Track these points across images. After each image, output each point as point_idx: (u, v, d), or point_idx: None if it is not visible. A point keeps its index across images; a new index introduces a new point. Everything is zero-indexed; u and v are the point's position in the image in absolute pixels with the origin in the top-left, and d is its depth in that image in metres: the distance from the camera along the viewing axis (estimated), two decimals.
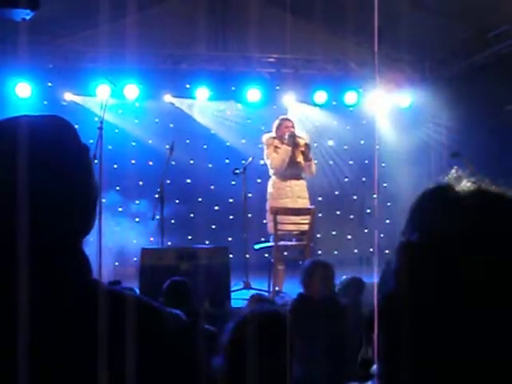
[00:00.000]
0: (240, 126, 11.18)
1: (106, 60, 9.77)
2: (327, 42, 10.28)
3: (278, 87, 11.07)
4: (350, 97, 11.23)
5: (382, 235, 9.90)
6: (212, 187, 10.80)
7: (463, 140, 10.35)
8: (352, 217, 11.54)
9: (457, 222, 0.96)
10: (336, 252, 11.03)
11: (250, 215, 8.93)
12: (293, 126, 8.34)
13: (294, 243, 8.02)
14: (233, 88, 11.00)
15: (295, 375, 2.89)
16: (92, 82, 9.99)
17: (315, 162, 8.72)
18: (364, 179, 11.48)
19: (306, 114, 11.31)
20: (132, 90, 10.30)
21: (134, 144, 10.68)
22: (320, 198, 10.64)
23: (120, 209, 10.03)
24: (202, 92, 10.72)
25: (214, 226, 10.70)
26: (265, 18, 9.79)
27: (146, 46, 9.49)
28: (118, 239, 9.37)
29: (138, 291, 6.37)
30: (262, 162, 8.72)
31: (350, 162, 11.65)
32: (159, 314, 1.40)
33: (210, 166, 10.89)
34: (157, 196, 8.64)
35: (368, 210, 11.47)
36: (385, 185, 11.12)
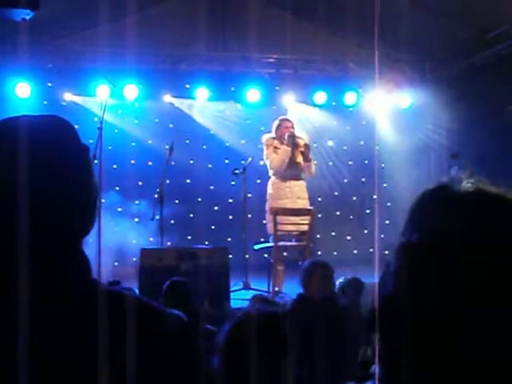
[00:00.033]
0: (240, 127, 11.18)
1: (106, 60, 9.77)
2: (327, 43, 10.27)
3: (277, 87, 11.07)
4: (349, 97, 11.23)
5: (381, 236, 9.90)
6: (212, 187, 10.80)
7: (463, 140, 10.35)
8: (352, 217, 11.54)
9: (457, 222, 0.96)
10: (335, 252, 11.03)
11: (249, 215, 8.93)
12: (292, 127, 8.34)
13: (293, 244, 8.02)
14: (232, 88, 10.99)
15: (295, 376, 2.89)
16: (92, 82, 9.99)
17: (315, 162, 8.72)
18: (364, 180, 11.48)
19: (305, 114, 11.31)
20: (132, 90, 10.30)
21: (133, 144, 10.68)
22: (320, 199, 10.64)
23: (119, 209, 10.03)
24: (202, 92, 10.72)
25: (213, 227, 10.70)
26: (264, 18, 9.79)
27: (145, 46, 9.49)
28: (118, 239, 9.37)
29: (137, 291, 6.37)
30: (261, 163, 8.72)
31: (350, 163, 11.65)
32: (159, 315, 1.40)
33: (210, 166, 10.89)
34: (156, 196, 8.64)
35: (368, 211, 11.47)
36: (384, 185, 11.12)
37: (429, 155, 11.49)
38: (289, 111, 10.72)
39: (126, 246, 9.33)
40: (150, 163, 10.39)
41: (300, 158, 8.15)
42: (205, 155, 10.90)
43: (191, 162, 10.90)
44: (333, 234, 11.40)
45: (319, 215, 10.06)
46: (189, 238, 10.35)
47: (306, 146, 8.24)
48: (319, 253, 10.56)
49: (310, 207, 8.11)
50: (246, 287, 7.99)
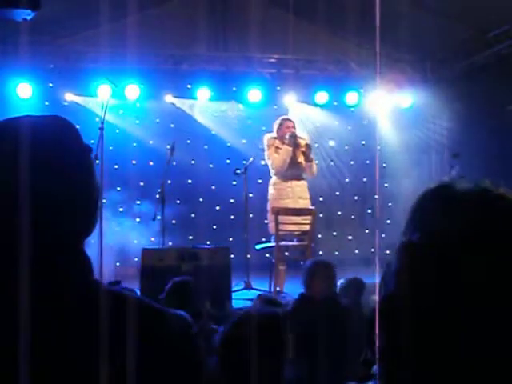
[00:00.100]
0: (241, 127, 11.17)
1: (107, 60, 9.78)
2: (328, 43, 10.28)
3: (278, 87, 11.07)
4: (350, 97, 11.23)
5: (383, 235, 9.90)
6: (213, 187, 10.80)
7: (464, 140, 10.36)
8: (353, 217, 11.53)
9: (457, 222, 0.96)
10: (337, 252, 11.02)
11: (251, 215, 8.93)
12: (294, 127, 8.34)
13: (295, 243, 8.02)
14: (234, 88, 10.99)
15: (287, 376, 2.89)
16: (93, 83, 9.99)
17: (316, 162, 8.71)
18: (365, 179, 11.48)
19: (306, 114, 11.31)
20: (133, 91, 10.30)
21: (134, 144, 10.68)
22: (321, 199, 10.65)
23: (121, 209, 10.03)
24: (203, 92, 10.72)
25: (215, 227, 10.70)
26: (265, 18, 9.80)
27: (146, 47, 9.50)
28: (119, 239, 9.37)
29: (138, 292, 6.37)
30: (262, 163, 8.72)
31: (351, 163, 11.65)
32: (160, 316, 1.40)
33: (211, 166, 10.89)
34: (158, 196, 8.64)
35: (369, 211, 11.47)
36: (386, 185, 11.12)
37: (430, 155, 11.50)
38: (290, 111, 10.72)
39: (128, 246, 9.34)
40: (152, 163, 10.39)
41: (301, 158, 8.15)
42: (206, 155, 10.90)
43: (192, 162, 10.90)
44: (334, 233, 11.39)
45: (320, 215, 10.08)
46: (190, 238, 10.35)
47: (308, 145, 8.23)
48: (320, 252, 10.56)
49: (311, 207, 8.10)
50: (248, 287, 7.99)
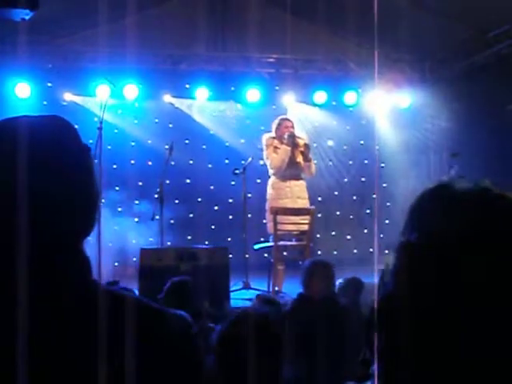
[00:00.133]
0: (239, 126, 11.17)
1: (106, 60, 9.76)
2: (327, 43, 10.27)
3: (277, 87, 11.07)
4: (349, 97, 11.23)
5: (381, 235, 9.90)
6: (211, 187, 10.80)
7: (463, 140, 10.36)
8: (351, 217, 11.53)
9: (456, 222, 0.96)
10: (335, 252, 11.03)
11: (249, 215, 8.93)
12: (292, 126, 8.34)
13: (293, 243, 8.03)
14: (232, 88, 10.99)
15: (286, 376, 2.89)
16: (92, 82, 9.99)
17: (315, 162, 8.72)
18: (363, 179, 11.48)
19: (305, 114, 11.31)
20: (131, 90, 10.29)
21: (133, 144, 10.68)
22: (320, 198, 10.64)
23: (119, 209, 10.03)
24: (202, 92, 10.72)
25: (213, 226, 10.70)
26: (264, 18, 9.79)
27: (145, 46, 9.49)
28: (118, 239, 9.37)
29: (137, 292, 6.37)
30: (261, 162, 8.72)
31: (350, 162, 11.65)
32: (159, 316, 1.40)
33: (210, 166, 10.88)
34: (156, 196, 8.64)
35: (367, 211, 11.47)
36: (384, 185, 11.13)
37: (428, 155, 11.50)
38: (289, 111, 10.71)
39: (126, 245, 9.34)
40: (150, 163, 10.38)
41: (300, 158, 8.15)
42: (205, 155, 10.90)
43: (191, 161, 10.89)
44: (333, 233, 11.40)
45: (319, 215, 10.07)
46: (189, 237, 10.36)
47: (306, 145, 8.23)
48: (319, 252, 10.56)
49: (310, 207, 8.11)
50: (246, 287, 7.99)
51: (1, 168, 1.31)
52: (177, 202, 10.41)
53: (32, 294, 1.24)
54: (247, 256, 8.40)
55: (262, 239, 8.37)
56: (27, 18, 6.35)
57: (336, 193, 11.52)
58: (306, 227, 7.78)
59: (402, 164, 11.26)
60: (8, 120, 1.39)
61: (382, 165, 11.12)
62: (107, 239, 8.22)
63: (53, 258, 1.32)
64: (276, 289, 7.76)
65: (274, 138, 8.24)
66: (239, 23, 9.97)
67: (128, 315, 1.30)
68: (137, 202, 10.17)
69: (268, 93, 10.97)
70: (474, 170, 9.05)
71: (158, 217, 8.49)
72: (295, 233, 7.94)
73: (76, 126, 1.44)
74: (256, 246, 8.22)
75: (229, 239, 10.13)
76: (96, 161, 7.58)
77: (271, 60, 10.83)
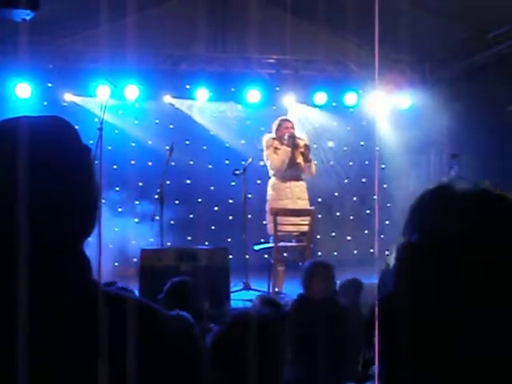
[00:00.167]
0: (240, 127, 11.17)
1: (106, 60, 9.78)
2: (327, 43, 10.27)
3: (277, 88, 11.07)
4: (349, 98, 11.24)
5: (381, 236, 9.90)
6: (212, 188, 10.80)
7: (463, 141, 10.36)
8: (352, 218, 11.52)
9: (457, 222, 0.96)
10: (336, 253, 11.03)
11: (249, 216, 8.93)
12: (292, 127, 8.34)
13: (293, 244, 8.03)
14: (232, 89, 10.99)
15: (286, 377, 2.89)
16: (92, 83, 9.99)
17: (315, 163, 8.72)
18: (364, 180, 11.47)
19: (305, 114, 11.31)
20: (132, 91, 10.30)
21: (133, 145, 10.68)
22: (320, 199, 10.64)
23: (120, 209, 10.03)
24: (202, 93, 10.73)
25: (213, 227, 10.70)
26: (264, 18, 9.79)
27: (145, 47, 9.49)
28: (118, 240, 9.37)
29: (137, 292, 6.38)
30: (261, 163, 8.72)
31: (350, 163, 11.65)
32: (159, 316, 1.40)
33: (210, 166, 10.88)
34: (156, 197, 8.64)
35: (368, 211, 11.46)
36: (385, 186, 11.12)
37: (429, 156, 11.49)
38: (289, 112, 10.71)
39: (127, 246, 9.34)
40: (150, 164, 10.38)
41: (300, 159, 8.15)
42: (205, 156, 10.90)
43: (191, 162, 10.90)
44: (333, 234, 11.40)
45: (319, 216, 10.07)
46: (189, 238, 10.36)
47: (306, 146, 8.24)
48: (319, 253, 10.56)
49: (310, 208, 8.11)
50: (246, 288, 7.99)
51: (1, 168, 1.31)
52: (177, 202, 10.41)
53: (32, 294, 1.24)
54: (247, 257, 8.41)
55: (262, 240, 8.37)
56: (28, 18, 6.35)
57: (336, 194, 11.52)
58: (306, 228, 7.78)
59: (403, 165, 11.26)
60: (8, 120, 1.39)
61: (383, 166, 11.11)
62: (107, 239, 8.22)
63: (53, 259, 1.32)
64: (276, 290, 7.76)
65: (274, 138, 8.24)
66: (239, 23, 9.98)
67: (128, 316, 1.30)
68: (137, 202, 10.17)
69: (268, 93, 10.97)
70: (474, 171, 9.06)
71: (158, 217, 8.49)
72: (295, 234, 7.94)
73: (76, 127, 1.44)
74: (256, 247, 8.22)
75: (229, 240, 10.13)
76: (96, 161, 7.58)
77: (271, 61, 10.84)
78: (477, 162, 9.42)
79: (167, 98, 10.76)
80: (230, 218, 10.59)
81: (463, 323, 0.92)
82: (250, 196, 9.09)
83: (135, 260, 8.21)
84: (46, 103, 10.16)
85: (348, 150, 11.62)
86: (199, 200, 10.67)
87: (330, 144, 11.59)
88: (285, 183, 8.15)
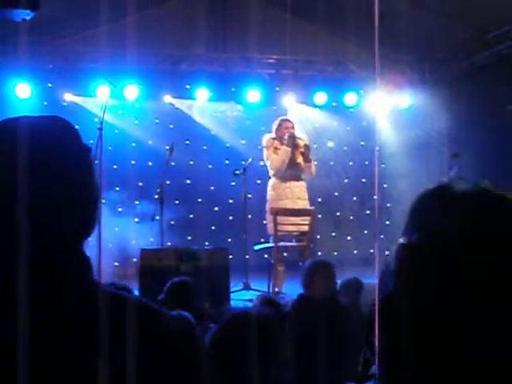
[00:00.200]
0: (240, 127, 11.17)
1: (106, 60, 9.78)
2: (327, 44, 10.28)
3: (277, 88, 11.07)
4: (349, 98, 11.24)
5: (381, 236, 9.90)
6: (212, 188, 10.80)
7: (463, 140, 10.36)
8: (352, 218, 11.53)
9: (457, 222, 0.96)
10: (336, 253, 11.02)
11: (249, 216, 8.93)
12: (293, 127, 8.33)
13: (293, 244, 8.02)
14: (233, 89, 10.99)
15: (287, 376, 2.88)
16: (92, 83, 9.99)
17: (315, 163, 8.71)
18: (364, 180, 11.47)
19: (305, 115, 11.31)
20: (132, 91, 10.30)
21: (133, 145, 10.68)
22: (320, 199, 10.64)
23: (120, 209, 10.03)
24: (202, 93, 10.73)
25: (213, 227, 10.70)
26: (264, 18, 9.79)
27: (146, 47, 9.49)
28: (118, 240, 9.37)
29: (137, 292, 6.38)
30: (261, 163, 8.72)
31: (350, 163, 11.65)
32: (160, 316, 1.40)
33: (210, 166, 10.88)
34: (156, 197, 8.64)
35: (368, 211, 11.47)
36: (385, 186, 11.12)
37: (429, 156, 11.49)
38: (289, 112, 10.71)
39: (126, 246, 9.34)
40: (150, 164, 10.38)
41: (300, 159, 8.15)
42: (205, 156, 10.90)
43: (191, 162, 10.90)
44: (333, 234, 11.40)
45: (319, 216, 10.07)
46: (189, 238, 10.35)
47: (306, 146, 8.23)
48: (319, 253, 10.55)
49: (310, 208, 8.11)
50: (247, 288, 7.99)
51: (1, 168, 1.31)
52: (177, 202, 10.41)
53: (32, 294, 1.24)
54: (247, 257, 8.41)
55: (262, 240, 8.37)
56: (28, 18, 6.35)
57: (336, 193, 11.52)
58: (306, 228, 7.78)
59: (403, 165, 11.26)
60: (8, 120, 1.39)
61: (383, 165, 11.11)
62: (107, 239, 8.22)
63: (53, 259, 1.32)
64: (276, 290, 7.76)
65: (274, 138, 8.24)
66: (239, 24, 9.98)
67: (129, 316, 1.30)
68: (137, 202, 10.17)
69: (268, 93, 10.97)
70: (474, 170, 9.06)
71: (158, 217, 8.49)
72: (295, 234, 7.94)
73: (76, 127, 1.44)
74: (256, 247, 8.22)
75: (229, 240, 10.13)
76: (96, 161, 7.58)
77: (271, 61, 10.84)
78: (477, 161, 9.42)
79: (167, 98, 10.76)
80: (230, 218, 10.59)
81: (463, 323, 0.92)
82: (250, 196, 9.09)
83: (135, 260, 8.21)
84: (46, 103, 10.16)
85: (348, 150, 11.62)
86: (199, 200, 10.67)
87: (330, 144, 11.59)
88: (285, 183, 8.14)
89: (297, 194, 8.14)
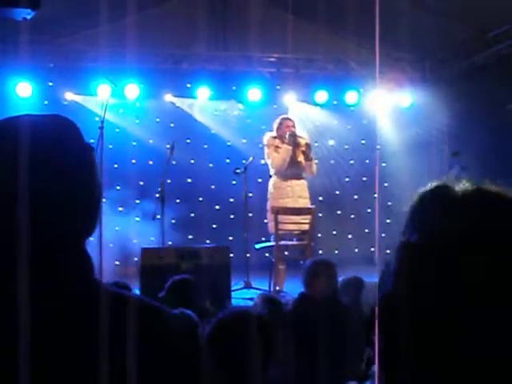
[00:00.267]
0: (241, 126, 11.17)
1: (107, 59, 9.78)
2: (328, 42, 10.28)
3: (278, 87, 11.07)
4: (350, 96, 11.24)
5: (382, 235, 9.90)
6: (213, 187, 10.80)
7: (464, 139, 10.36)
8: (353, 216, 11.52)
9: (456, 222, 0.96)
10: (337, 251, 11.03)
11: (250, 215, 8.93)
12: (293, 126, 8.33)
13: (294, 243, 8.02)
14: (233, 87, 10.99)
15: (287, 376, 2.89)
16: (93, 82, 9.99)
17: (316, 161, 8.71)
18: (365, 179, 11.46)
19: (306, 113, 11.31)
20: (133, 90, 10.30)
21: (134, 143, 10.68)
22: (321, 198, 10.64)
23: (120, 208, 10.03)
24: (203, 91, 10.73)
25: (214, 226, 10.70)
26: (265, 17, 9.80)
27: (146, 46, 9.50)
28: (119, 239, 9.37)
29: (138, 291, 6.38)
30: (262, 162, 8.71)
31: (351, 162, 11.65)
32: (161, 315, 1.40)
33: (211, 165, 10.88)
34: (157, 195, 8.63)
35: (369, 210, 11.46)
36: (385, 184, 11.11)
37: (429, 154, 11.48)
38: (290, 110, 10.72)
39: (127, 245, 9.34)
40: (151, 162, 10.38)
41: (301, 157, 8.14)
42: (206, 154, 10.90)
43: (192, 161, 10.90)
44: (334, 233, 11.40)
45: (320, 214, 10.07)
46: (190, 237, 10.35)
47: (307, 145, 8.23)
48: (320, 252, 10.55)
49: (311, 206, 8.10)
50: (248, 286, 7.99)
51: (3, 167, 1.31)
52: (178, 201, 10.41)
53: (34, 292, 1.24)
54: (248, 255, 8.41)
55: (263, 239, 8.37)
56: (29, 17, 6.35)
57: (337, 192, 11.52)
58: (307, 227, 7.78)
59: (403, 163, 11.25)
60: (10, 119, 1.39)
61: (384, 164, 11.11)
62: (108, 239, 8.22)
63: (55, 257, 1.32)
64: (277, 288, 7.75)
65: (275, 137, 8.24)
66: (240, 23, 9.98)
67: (130, 314, 1.30)
68: (138, 201, 10.17)
69: (269, 92, 10.97)
70: (474, 170, 9.05)
71: (159, 216, 8.48)
72: (296, 232, 7.93)
73: (78, 125, 1.44)
74: (257, 246, 8.22)
75: (230, 238, 10.13)
76: (97, 160, 7.57)
77: (272, 59, 10.84)
78: (477, 160, 9.42)
79: (168, 97, 10.76)
80: (231, 216, 10.60)
81: (463, 323, 0.92)
82: (250, 195, 9.09)
83: (136, 259, 8.21)
84: (46, 102, 10.17)
85: (349, 149, 11.62)
86: (200, 199, 10.67)
87: (331, 142, 11.60)
88: (286, 182, 8.14)
89: (298, 193, 8.14)
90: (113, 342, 1.25)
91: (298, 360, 3.86)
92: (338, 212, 11.51)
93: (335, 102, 11.37)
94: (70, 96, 10.34)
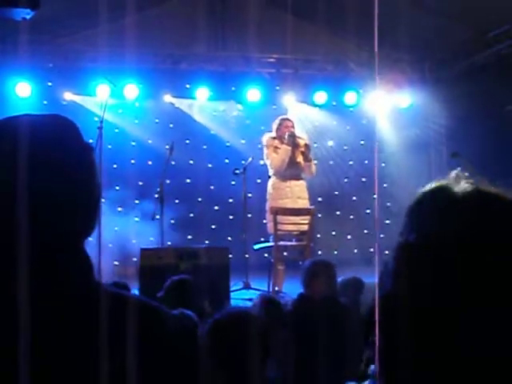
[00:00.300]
0: (240, 126, 11.17)
1: (106, 60, 9.77)
2: (327, 43, 10.28)
3: (277, 87, 11.07)
4: (349, 97, 11.24)
5: (381, 235, 9.90)
6: (212, 187, 10.80)
7: (463, 140, 10.35)
8: (352, 217, 11.52)
9: (454, 223, 0.96)
10: (336, 252, 11.02)
11: (249, 215, 8.93)
12: (293, 126, 8.33)
13: (293, 243, 8.02)
14: (233, 88, 10.99)
15: (287, 376, 2.89)
16: (92, 82, 9.99)
17: (315, 162, 8.71)
18: (364, 179, 11.47)
19: (305, 114, 11.31)
20: (132, 90, 10.30)
21: (133, 144, 10.68)
22: (320, 199, 10.64)
23: (119, 208, 10.03)
24: (202, 92, 10.72)
25: (213, 226, 10.70)
26: (265, 18, 9.80)
27: (145, 46, 9.50)
28: (118, 239, 9.37)
29: (137, 291, 6.38)
30: (261, 162, 8.72)
31: (350, 163, 11.65)
32: (160, 315, 1.40)
33: (210, 166, 10.88)
34: (156, 196, 8.63)
35: (368, 210, 11.46)
36: (385, 185, 11.11)
37: (428, 155, 11.50)
38: (289, 111, 10.71)
39: (126, 245, 9.33)
40: (150, 163, 10.38)
41: (300, 158, 8.15)
42: (205, 155, 10.90)
43: (191, 161, 10.90)
44: (333, 233, 11.40)
45: (319, 215, 10.06)
46: (189, 237, 10.35)
47: (307, 145, 8.23)
48: (319, 252, 10.55)
49: (310, 207, 8.11)
50: (247, 287, 7.98)
51: (2, 167, 1.31)
52: (177, 201, 10.41)
53: (33, 293, 1.24)
54: (247, 256, 8.40)
55: (262, 239, 8.37)
56: (28, 17, 6.36)
57: (336, 193, 11.52)
58: (306, 227, 7.78)
59: (403, 164, 11.26)
60: (9, 119, 1.39)
61: (383, 165, 11.11)
62: (107, 239, 8.22)
63: (54, 257, 1.32)
64: (276, 289, 7.75)
65: (274, 138, 8.24)
66: (239, 23, 9.98)
67: (129, 315, 1.30)
68: (137, 201, 10.17)
69: (268, 93, 10.97)
70: (473, 171, 9.04)
71: (158, 216, 8.49)
72: (295, 233, 7.94)
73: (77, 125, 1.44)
74: (256, 246, 8.21)
75: (229, 239, 10.13)
76: (96, 160, 7.57)
77: (272, 60, 10.84)
78: (475, 161, 9.41)
79: (167, 98, 10.76)
80: (230, 217, 10.59)
81: (460, 323, 0.92)
82: (250, 195, 9.09)
83: (135, 259, 8.21)
84: (45, 102, 10.16)
85: (348, 149, 11.63)
86: (199, 199, 10.67)
87: (330, 143, 11.60)
88: (285, 182, 8.14)
89: (297, 194, 8.14)
90: (112, 342, 1.25)
91: (298, 360, 3.86)
92: (337, 212, 11.51)
93: (334, 103, 11.37)
94: (69, 96, 10.33)
